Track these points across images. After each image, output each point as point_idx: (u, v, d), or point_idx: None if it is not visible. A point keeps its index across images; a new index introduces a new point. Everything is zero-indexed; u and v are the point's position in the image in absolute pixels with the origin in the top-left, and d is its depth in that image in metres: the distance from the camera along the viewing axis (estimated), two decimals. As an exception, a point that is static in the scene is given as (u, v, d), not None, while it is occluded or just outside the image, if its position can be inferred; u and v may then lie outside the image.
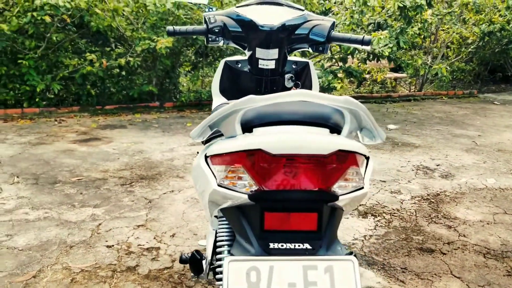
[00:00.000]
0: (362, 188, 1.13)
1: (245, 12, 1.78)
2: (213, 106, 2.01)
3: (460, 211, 3.00)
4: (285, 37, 1.76)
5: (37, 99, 5.82)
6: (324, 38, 1.76)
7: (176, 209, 2.92)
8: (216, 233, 1.35)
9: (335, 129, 1.12)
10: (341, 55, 6.45)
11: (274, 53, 1.77)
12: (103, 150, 4.25)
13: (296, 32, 1.77)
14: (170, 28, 1.78)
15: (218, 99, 1.99)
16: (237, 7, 1.83)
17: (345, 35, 1.77)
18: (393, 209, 3.01)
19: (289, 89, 1.90)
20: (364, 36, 1.73)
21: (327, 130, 1.11)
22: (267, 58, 1.77)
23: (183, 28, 1.80)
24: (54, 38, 5.59)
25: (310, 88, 1.98)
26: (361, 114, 1.07)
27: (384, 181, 3.58)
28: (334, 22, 1.79)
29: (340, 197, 1.07)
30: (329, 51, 6.45)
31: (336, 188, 1.07)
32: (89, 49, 6.10)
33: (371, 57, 6.33)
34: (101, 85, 6.28)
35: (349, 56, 6.36)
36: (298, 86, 1.91)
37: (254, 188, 1.06)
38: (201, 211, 2.89)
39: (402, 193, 3.32)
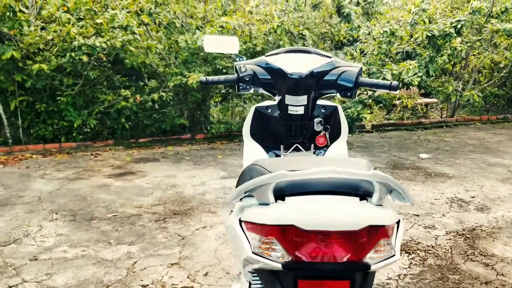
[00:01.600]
0: (394, 255, 1.15)
1: (274, 60, 1.85)
2: (244, 150, 2.06)
3: (498, 248, 2.93)
4: (313, 83, 1.81)
5: (74, 134, 6.04)
6: (352, 83, 1.79)
7: (209, 246, 2.96)
8: (250, 285, 1.38)
9: (365, 195, 1.16)
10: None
11: (303, 99, 1.81)
12: (137, 185, 4.36)
13: (325, 79, 1.82)
14: (202, 78, 1.86)
15: (249, 143, 2.04)
16: (267, 56, 1.90)
17: (372, 80, 1.81)
18: (427, 246, 2.96)
19: (319, 133, 1.94)
20: (391, 82, 1.76)
21: (357, 199, 1.14)
22: (296, 104, 1.82)
23: (215, 78, 1.88)
24: (91, 75, 5.82)
25: (339, 131, 2.00)
26: (390, 184, 1.11)
27: (418, 215, 3.53)
28: (361, 68, 1.83)
29: (372, 266, 1.10)
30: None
31: (368, 259, 1.09)
32: (123, 84, 6.31)
33: (400, 85, 6.31)
34: (135, 119, 6.46)
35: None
36: (327, 130, 1.94)
37: (288, 258, 1.10)
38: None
39: (437, 228, 3.27)
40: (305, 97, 1.81)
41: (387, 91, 1.79)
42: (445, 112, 8.91)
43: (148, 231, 3.21)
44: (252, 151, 2.02)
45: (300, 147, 1.93)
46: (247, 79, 1.84)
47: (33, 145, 5.91)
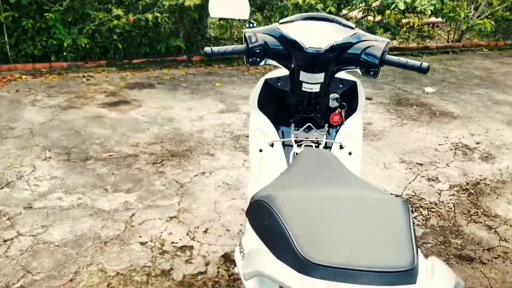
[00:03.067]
0: None
1: (289, 30, 1.62)
2: (251, 121, 1.90)
3: (501, 207, 2.89)
4: (333, 59, 1.60)
5: (64, 53, 5.73)
6: (377, 60, 1.59)
7: (208, 196, 2.89)
8: None
9: None
10: (377, 7, 6.08)
11: (319, 77, 1.62)
12: (133, 117, 4.20)
13: (347, 52, 1.61)
14: (207, 49, 1.63)
15: (256, 114, 1.88)
16: (280, 23, 1.66)
17: (400, 59, 1.60)
18: (430, 203, 2.91)
19: (333, 110, 1.77)
20: (421, 63, 1.56)
21: None
22: (312, 82, 1.63)
23: (222, 48, 1.65)
24: (79, -11, 5.38)
25: (355, 106, 1.84)
26: None
27: (421, 164, 3.45)
28: (388, 43, 1.61)
29: None
30: (362, 3, 6.08)
31: None
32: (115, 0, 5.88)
33: (410, 10, 5.94)
34: (128, 37, 6.12)
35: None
36: (344, 108, 1.77)
37: None
38: (233, 200, 2.86)
39: (440, 181, 3.21)
40: (322, 74, 1.62)
41: (416, 72, 1.59)
42: (452, 34, 8.54)
43: (146, 176, 3.12)
44: (259, 125, 1.86)
45: (312, 126, 1.77)
46: (257, 51, 1.62)
47: (22, 64, 5.64)
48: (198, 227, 2.57)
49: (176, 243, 2.43)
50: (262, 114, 1.86)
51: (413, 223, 0.97)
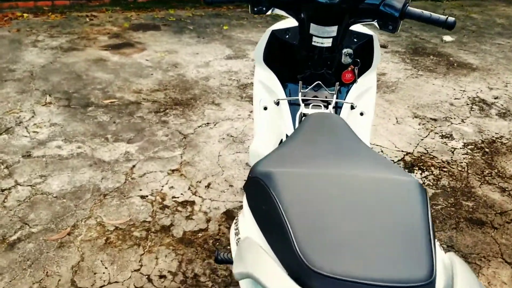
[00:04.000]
0: None
1: None
2: (256, 76, 1.76)
3: (517, 168, 2.77)
4: (348, 10, 1.43)
5: (67, -10, 5.49)
6: (398, 13, 1.41)
7: (212, 150, 2.79)
8: None
9: None
10: None
11: (332, 30, 1.46)
12: (136, 62, 4.04)
13: (364, 3, 1.44)
14: None
15: (261, 69, 1.73)
16: None
17: (423, 12, 1.43)
18: (442, 162, 2.79)
19: (346, 66, 1.62)
20: (447, 18, 1.38)
21: None
22: (323, 36, 1.47)
23: None
24: None
25: (369, 63, 1.68)
26: None
27: (435, 120, 3.30)
28: (407, -8, 1.43)
29: None
30: None
31: None
32: None
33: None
34: (133, -25, 5.82)
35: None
36: (357, 65, 1.62)
37: None
38: (238, 153, 2.76)
39: (454, 138, 3.07)
40: (335, 27, 1.46)
41: (440, 28, 1.42)
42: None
43: (148, 126, 3.01)
44: (264, 80, 1.72)
45: (322, 84, 1.63)
46: (263, -2, 1.46)
47: (23, 2, 5.42)
48: (200, 182, 2.49)
49: (177, 197, 2.36)
50: (267, 69, 1.72)
51: (431, 213, 0.85)
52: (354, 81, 1.66)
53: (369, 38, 1.60)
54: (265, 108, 1.74)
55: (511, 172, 2.72)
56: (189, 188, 2.44)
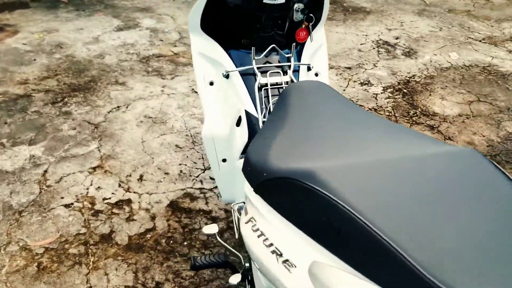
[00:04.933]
0: None
1: None
2: (193, 48, 1.51)
3: (436, 104, 2.86)
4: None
5: None
6: None
7: (132, 136, 2.47)
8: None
9: None
10: None
11: (288, -17, 1.26)
12: (12, 47, 3.45)
13: None
14: None
15: (199, 38, 1.49)
16: None
17: None
18: (370, 109, 2.79)
19: (298, 24, 1.44)
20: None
21: None
22: (277, -9, 1.27)
23: None
24: None
25: (318, 16, 1.52)
26: None
27: (350, 68, 3.29)
28: None
29: None
30: None
31: None
32: None
33: None
34: None
35: None
36: (311, 21, 1.45)
37: None
38: (163, 136, 2.48)
39: (373, 84, 3.08)
40: (291, -19, 1.26)
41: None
42: None
43: (48, 121, 2.59)
44: (206, 51, 1.48)
45: (277, 48, 1.43)
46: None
47: None
48: (130, 175, 2.20)
49: (109, 198, 2.06)
50: (207, 37, 1.48)
51: None
52: (310, 40, 1.49)
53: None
54: (211, 83, 1.51)
55: (433, 109, 2.79)
56: (119, 185, 2.13)
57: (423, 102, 2.86)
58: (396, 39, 3.78)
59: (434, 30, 3.96)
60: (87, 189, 2.10)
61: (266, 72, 1.42)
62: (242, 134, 1.42)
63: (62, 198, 2.05)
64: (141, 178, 2.18)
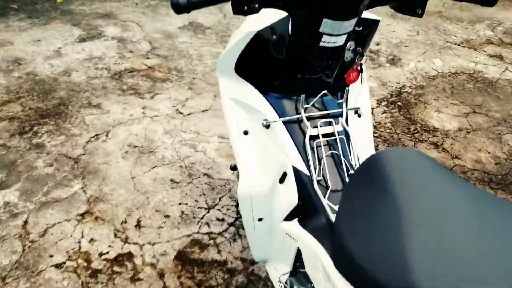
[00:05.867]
0: None
1: None
2: (224, 93, 1.29)
3: (434, 117, 2.76)
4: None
5: None
6: None
7: (120, 171, 2.20)
8: None
9: None
10: None
11: (350, 25, 1.07)
12: (-41, 65, 3.04)
13: None
14: None
15: (232, 82, 1.27)
16: None
17: None
18: (370, 127, 2.65)
19: (349, 63, 1.25)
20: (491, -9, 1.10)
21: None
22: (338, 33, 1.07)
23: None
24: None
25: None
26: None
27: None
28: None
29: None
30: None
31: None
32: None
33: None
34: None
35: None
36: (361, 57, 1.26)
37: None
38: (155, 169, 2.23)
39: (366, 97, 2.94)
40: (354, 21, 1.07)
41: (478, 4, 1.13)
42: None
43: (19, 156, 2.26)
44: (239, 96, 1.27)
45: (329, 94, 1.24)
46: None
47: None
48: (125, 221, 1.94)
49: (107, 253, 1.79)
50: (243, 81, 1.26)
51: None
52: (361, 80, 1.31)
53: (376, 23, 1.24)
54: (246, 133, 1.29)
55: (432, 124, 2.69)
56: (115, 235, 1.87)
57: (421, 116, 2.76)
58: (377, 45, 3.67)
59: (412, 34, 3.89)
60: (79, 242, 1.82)
61: (315, 120, 1.23)
62: (288, 193, 1.22)
63: (51, 256, 1.76)
64: (138, 224, 1.92)
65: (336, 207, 1.14)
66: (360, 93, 1.38)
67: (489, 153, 2.46)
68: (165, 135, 2.46)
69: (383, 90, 3.02)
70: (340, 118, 1.24)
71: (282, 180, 1.24)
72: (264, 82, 1.24)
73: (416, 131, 2.62)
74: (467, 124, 2.70)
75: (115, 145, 2.37)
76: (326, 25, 1.04)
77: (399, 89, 3.05)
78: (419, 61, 3.43)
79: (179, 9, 0.91)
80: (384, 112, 2.78)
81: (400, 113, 2.78)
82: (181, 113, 2.66)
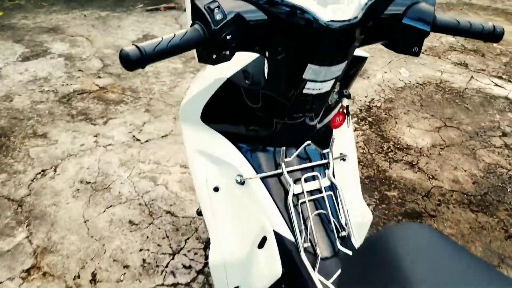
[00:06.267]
0: None
1: None
2: (189, 144, 1.10)
3: (406, 133, 2.65)
4: (363, 32, 0.87)
5: None
6: (429, 26, 0.91)
7: (70, 214, 1.95)
8: None
9: None
10: None
11: (338, 69, 0.89)
12: None
13: (382, 17, 0.90)
14: (131, 50, 0.71)
15: (198, 132, 1.08)
16: None
17: (460, 22, 0.96)
18: (342, 148, 2.50)
19: (334, 107, 1.08)
20: (495, 27, 0.95)
21: None
22: (324, 79, 0.90)
23: (154, 43, 0.74)
24: None
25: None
26: None
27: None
28: (435, -7, 0.94)
29: None
30: None
31: None
32: None
33: None
34: None
35: None
36: (348, 99, 1.10)
37: None
38: (110, 209, 1.99)
39: (335, 114, 2.80)
40: (343, 64, 0.89)
41: (483, 40, 0.98)
42: None
43: (-50, 202, 1.98)
44: (208, 148, 1.08)
45: (312, 144, 1.06)
46: (229, 37, 0.78)
47: None
48: (79, 276, 1.70)
49: (57, 318, 1.56)
50: (212, 131, 1.07)
51: None
52: (347, 124, 1.14)
53: (364, 60, 1.08)
54: (216, 189, 1.10)
55: (405, 141, 2.58)
56: (68, 294, 1.63)
57: (393, 133, 2.64)
58: (342, 55, 3.54)
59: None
60: (24, 306, 1.58)
61: (295, 171, 1.05)
62: (269, 263, 1.04)
63: (-10, 326, 1.51)
64: (94, 279, 1.69)
65: (328, 283, 0.97)
66: (345, 136, 1.21)
67: (465, 171, 2.37)
68: (121, 167, 2.22)
69: (353, 105, 2.89)
70: (326, 171, 1.07)
71: (261, 244, 1.06)
72: (237, 131, 1.05)
73: (389, 149, 2.50)
74: (440, 139, 2.61)
75: (65, 182, 2.12)
76: (311, 71, 0.86)
77: (368, 103, 2.92)
78: (385, 72, 3.33)
79: (131, 65, 0.71)
80: (355, 129, 2.65)
81: (371, 130, 2.66)
82: (138, 140, 2.43)
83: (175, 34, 0.75)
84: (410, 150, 2.50)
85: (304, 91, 0.91)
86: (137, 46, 0.71)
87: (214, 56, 0.79)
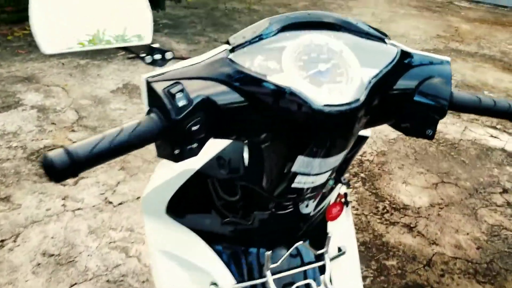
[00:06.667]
0: None
1: (263, 61, 0.63)
2: (151, 243, 0.90)
3: (402, 191, 2.47)
4: (365, 114, 0.69)
5: None
6: (445, 104, 0.73)
7: (29, 295, 1.71)
8: None
9: None
10: None
11: (336, 160, 0.70)
12: None
13: (390, 95, 0.72)
14: (72, 149, 0.53)
15: (161, 227, 0.88)
16: (235, 46, 0.64)
17: (482, 99, 0.79)
18: (334, 209, 2.31)
19: (328, 195, 0.90)
20: (517, 104, 0.78)
21: None
22: (317, 173, 0.71)
23: (93, 141, 0.56)
24: None
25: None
26: None
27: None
28: (449, 63, 0.77)
29: None
30: None
31: None
32: None
33: None
34: None
35: None
36: (346, 187, 0.92)
37: None
38: (74, 286, 1.75)
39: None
40: (342, 155, 0.70)
41: (507, 120, 0.81)
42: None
43: None
44: (174, 248, 0.88)
45: (307, 246, 0.87)
46: (195, 128, 0.60)
47: None
48: None
49: None
50: (182, 227, 0.87)
51: None
52: (345, 215, 0.95)
53: (364, 139, 0.90)
54: (183, 297, 0.89)
55: (401, 199, 2.40)
56: None
57: (388, 191, 2.46)
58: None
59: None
60: None
61: (281, 278, 0.85)
62: None
63: None
64: None
65: None
66: (343, 228, 1.02)
67: (467, 234, 2.18)
68: (90, 236, 2.00)
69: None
70: (321, 276, 0.87)
71: None
72: (211, 229, 0.86)
73: (385, 210, 2.31)
74: (438, 198, 2.43)
75: (25, 254, 1.88)
76: (302, 163, 0.68)
77: (360, 157, 2.76)
78: (376, 122, 3.19)
79: (57, 175, 0.52)
80: (351, 190, 2.46)
81: (365, 187, 2.48)
82: (110, 202, 2.21)
83: (122, 128, 0.57)
84: (407, 211, 2.32)
85: (293, 185, 0.72)
86: (66, 149, 0.53)
87: (176, 152, 0.61)
